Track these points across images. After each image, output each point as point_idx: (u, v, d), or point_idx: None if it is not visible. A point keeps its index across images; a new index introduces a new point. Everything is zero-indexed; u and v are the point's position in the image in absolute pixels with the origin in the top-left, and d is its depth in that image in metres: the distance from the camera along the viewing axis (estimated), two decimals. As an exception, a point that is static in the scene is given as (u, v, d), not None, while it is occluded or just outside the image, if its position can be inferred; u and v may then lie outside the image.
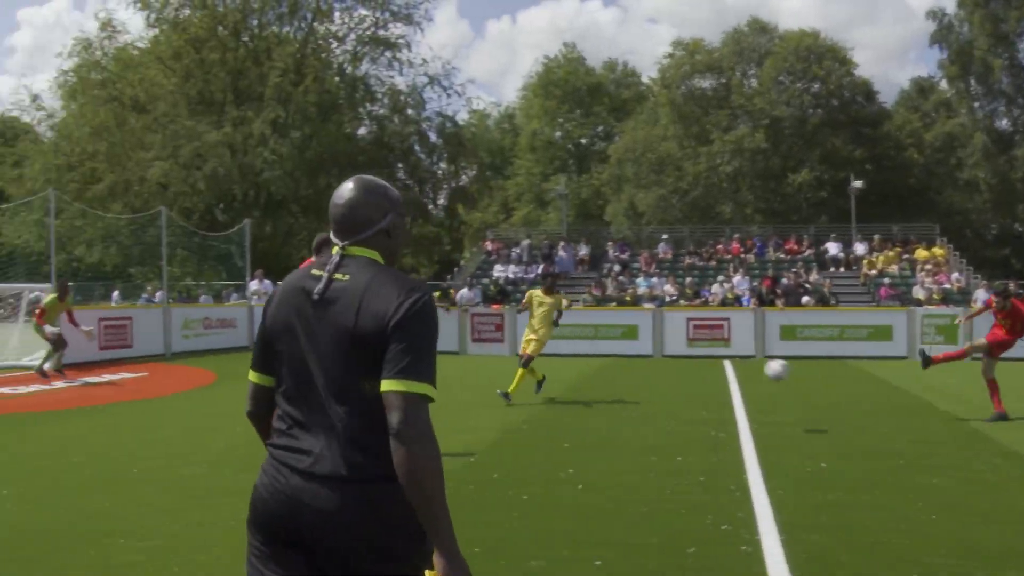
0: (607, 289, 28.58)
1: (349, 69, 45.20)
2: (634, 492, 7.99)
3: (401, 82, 45.73)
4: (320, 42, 44.34)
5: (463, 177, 51.24)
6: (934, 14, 50.60)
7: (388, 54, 44.63)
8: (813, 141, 49.66)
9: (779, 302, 24.45)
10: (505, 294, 28.48)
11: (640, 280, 29.47)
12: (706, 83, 53.17)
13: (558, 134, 64.13)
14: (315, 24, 43.94)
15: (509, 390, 14.13)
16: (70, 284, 21.14)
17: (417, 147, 47.00)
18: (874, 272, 29.05)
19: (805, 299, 25.16)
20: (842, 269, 30.38)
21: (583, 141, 64.45)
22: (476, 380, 14.28)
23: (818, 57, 49.91)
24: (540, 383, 14.78)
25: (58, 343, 17.86)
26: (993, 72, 48.83)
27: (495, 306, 26.06)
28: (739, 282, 27.82)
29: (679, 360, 22.66)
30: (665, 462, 9.35)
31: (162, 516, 7.13)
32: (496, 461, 9.51)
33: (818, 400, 14.84)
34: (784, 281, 26.57)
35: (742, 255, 31.68)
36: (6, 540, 6.53)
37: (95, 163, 40.35)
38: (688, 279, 28.77)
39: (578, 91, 63.18)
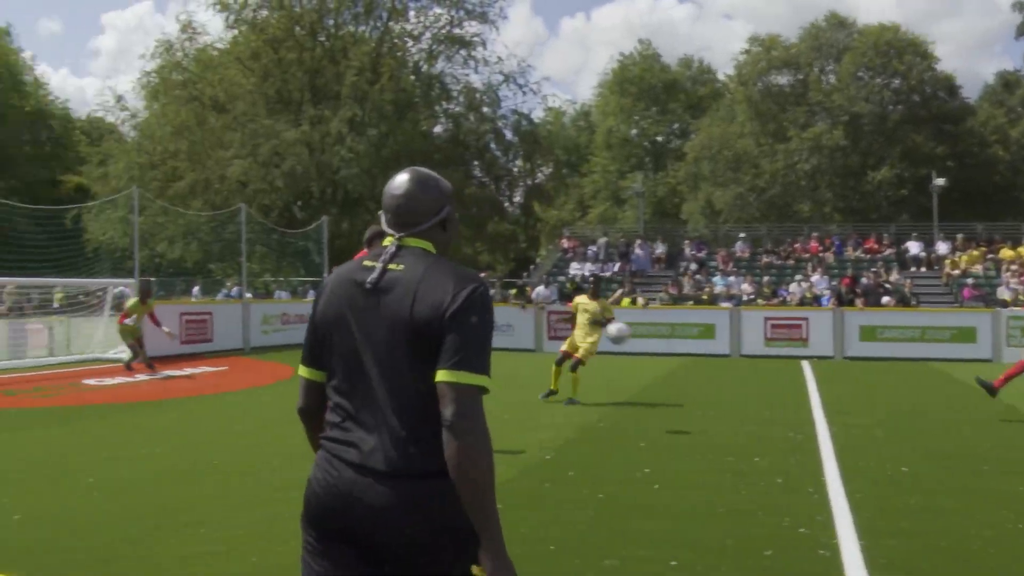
0: (683, 288, 28.39)
1: (425, 67, 45.37)
2: (710, 493, 7.90)
3: (476, 80, 45.83)
4: (396, 41, 44.55)
5: (539, 175, 51.21)
6: (1020, 6, 49.42)
7: (463, 52, 44.68)
8: (893, 138, 48.67)
9: (859, 302, 24.07)
10: (581, 292, 28.35)
11: (717, 279, 29.22)
12: (783, 79, 52.46)
13: (634, 131, 63.75)
14: (390, 23, 44.19)
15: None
16: (152, 280, 21.57)
17: (493, 145, 47.01)
18: (957, 272, 28.39)
19: (885, 299, 24.71)
20: (923, 269, 29.75)
21: (659, 138, 64.00)
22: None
23: (898, 52, 48.84)
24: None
25: (135, 348, 18.33)
26: (1082, 66, 47.52)
27: (571, 304, 25.92)
28: (818, 281, 27.45)
29: (756, 360, 22.45)
30: (742, 463, 9.25)
31: (241, 507, 7.24)
32: (572, 459, 9.49)
33: (899, 402, 14.57)
34: (864, 281, 26.14)
35: (820, 254, 31.22)
36: (90, 527, 6.67)
37: (176, 161, 41.09)
38: (766, 278, 28.47)
39: (653, 88, 62.75)
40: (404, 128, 41.12)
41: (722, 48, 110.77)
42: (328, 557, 2.62)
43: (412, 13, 44.67)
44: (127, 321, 18.38)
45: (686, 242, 34.57)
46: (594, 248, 33.98)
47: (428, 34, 45.12)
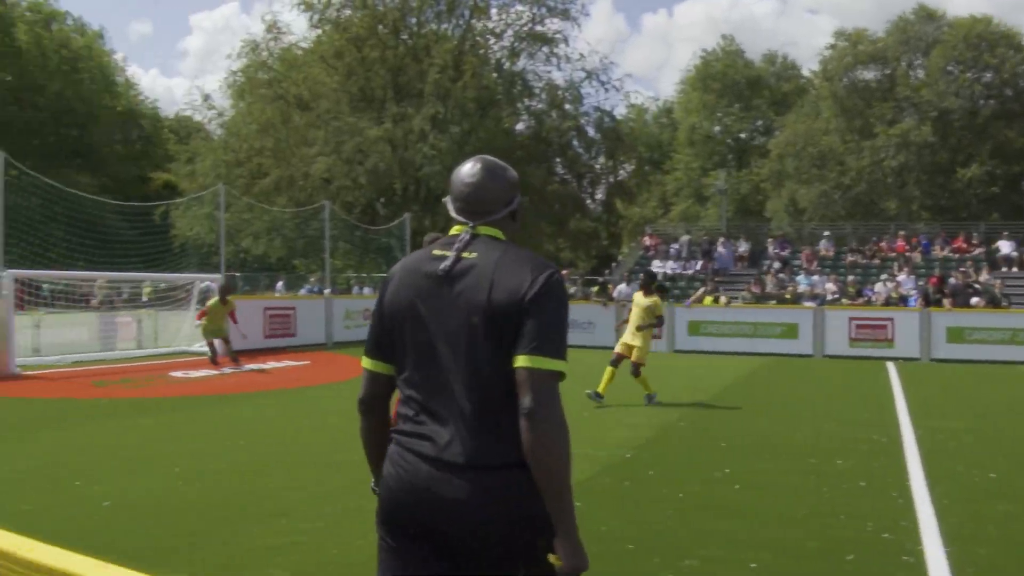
0: (766, 287, 28.06)
1: (507, 65, 45.48)
2: (792, 494, 7.80)
3: (559, 77, 45.89)
4: (478, 38, 44.73)
5: (621, 172, 50.99)
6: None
7: (545, 49, 44.70)
8: (984, 134, 47.49)
9: (947, 302, 23.55)
10: (664, 290, 28.07)
11: (801, 278, 28.86)
12: (870, 74, 51.49)
13: (717, 128, 63.27)
14: (473, 21, 44.39)
15: (599, 389, 13.55)
16: (236, 275, 21.96)
17: (575, 142, 46.94)
18: (1051, 272, 27.69)
19: (975, 300, 24.12)
20: (1015, 269, 29.01)
21: (742, 135, 63.45)
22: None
23: (990, 44, 47.62)
24: (651, 397, 13.85)
25: (214, 348, 18.68)
26: None
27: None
28: (904, 281, 26.94)
29: (840, 360, 22.11)
30: (825, 465, 9.12)
31: (323, 499, 7.33)
32: (652, 458, 9.45)
33: (987, 406, 14.22)
34: (952, 281, 25.56)
35: (907, 253, 30.67)
36: (175, 516, 6.81)
37: (262, 159, 41.74)
38: (850, 277, 28.00)
39: (737, 84, 62.19)
40: (486, 125, 41.28)
41: (807, 43, 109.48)
42: (402, 555, 2.60)
43: (494, 11, 44.88)
44: (203, 320, 18.85)
45: (769, 240, 34.18)
46: (676, 246, 33.79)
47: (510, 31, 45.27)
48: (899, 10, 51.41)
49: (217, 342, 18.76)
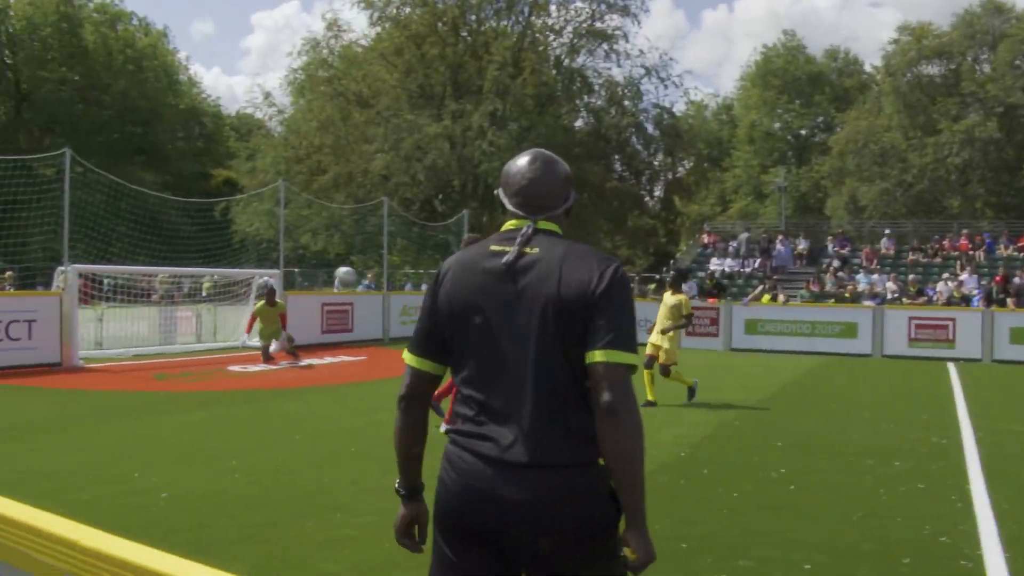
0: (825, 285, 27.80)
1: (566, 61, 45.48)
2: (848, 496, 7.72)
3: (618, 74, 45.72)
4: (537, 35, 44.77)
5: (680, 169, 50.79)
6: None
7: (605, 46, 44.64)
8: (1053, 131, 46.68)
9: (1010, 302, 23.14)
10: (721, 288, 27.95)
11: (860, 276, 28.55)
12: (934, 69, 50.76)
13: (777, 125, 62.71)
14: (532, 18, 44.43)
15: (648, 397, 13.11)
16: (296, 271, 22.19)
17: (634, 139, 46.86)
18: (1118, 272, 27.10)
19: (1040, 299, 23.73)
20: (1082, 268, 28.50)
21: (803, 132, 62.82)
22: (690, 374, 14.04)
23: (1060, 39, 46.81)
24: (692, 390, 13.64)
25: (267, 350, 18.86)
26: None
27: (711, 300, 25.59)
28: (967, 280, 26.52)
29: (899, 360, 21.83)
30: (882, 466, 9.01)
31: (377, 494, 7.35)
32: (707, 457, 9.41)
33: (1052, 407, 13.98)
34: (1016, 280, 25.11)
35: (970, 252, 30.20)
36: (231, 509, 6.91)
37: (321, 155, 42.15)
38: (911, 276, 27.62)
39: (798, 80, 61.59)
40: (545, 122, 41.32)
41: (869, 38, 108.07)
42: (461, 559, 2.55)
43: (554, 8, 44.90)
44: (257, 325, 19.18)
45: (829, 238, 33.89)
46: (735, 243, 33.57)
47: (569, 28, 45.25)
48: (965, 3, 50.40)
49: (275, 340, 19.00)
